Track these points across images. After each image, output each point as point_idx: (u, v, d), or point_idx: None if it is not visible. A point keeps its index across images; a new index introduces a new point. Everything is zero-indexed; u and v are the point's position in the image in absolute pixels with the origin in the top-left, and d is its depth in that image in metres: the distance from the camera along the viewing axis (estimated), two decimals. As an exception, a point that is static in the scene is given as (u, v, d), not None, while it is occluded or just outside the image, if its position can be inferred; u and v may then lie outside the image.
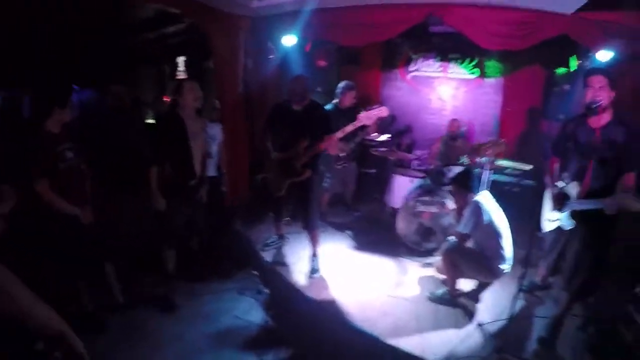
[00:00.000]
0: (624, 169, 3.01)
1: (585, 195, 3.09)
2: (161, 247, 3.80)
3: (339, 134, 3.97)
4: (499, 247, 3.69)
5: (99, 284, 3.58)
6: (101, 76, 5.10)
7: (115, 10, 5.56)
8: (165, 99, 8.17)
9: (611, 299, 3.21)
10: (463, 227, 3.72)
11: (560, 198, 3.37)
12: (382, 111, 3.98)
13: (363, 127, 4.41)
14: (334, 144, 4.02)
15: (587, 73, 3.21)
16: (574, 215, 3.19)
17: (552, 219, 3.52)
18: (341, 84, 5.32)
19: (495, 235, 3.71)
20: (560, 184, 3.48)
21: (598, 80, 3.03)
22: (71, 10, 4.79)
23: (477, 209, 3.68)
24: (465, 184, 3.90)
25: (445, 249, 3.89)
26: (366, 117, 3.94)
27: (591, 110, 3.00)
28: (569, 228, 3.27)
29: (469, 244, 3.88)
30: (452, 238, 4.03)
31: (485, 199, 3.81)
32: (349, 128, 3.97)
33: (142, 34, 6.94)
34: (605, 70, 3.25)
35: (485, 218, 3.66)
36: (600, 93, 3.00)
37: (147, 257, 4.06)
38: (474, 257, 3.80)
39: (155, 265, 3.89)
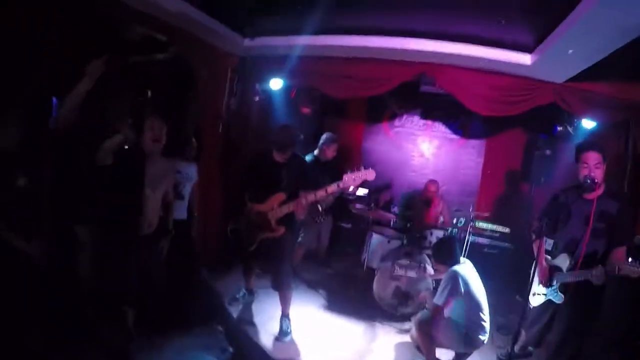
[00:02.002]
0: (615, 240, 3.03)
1: (578, 267, 3.09)
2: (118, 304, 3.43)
3: (322, 193, 3.71)
4: (478, 318, 3.59)
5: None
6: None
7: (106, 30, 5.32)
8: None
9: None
10: (438, 298, 3.61)
11: (549, 272, 3.32)
12: (369, 174, 3.70)
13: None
14: (302, 208, 3.78)
15: (580, 148, 3.23)
16: (563, 288, 3.18)
17: (539, 292, 3.45)
18: (325, 136, 5.24)
19: (474, 305, 3.60)
20: (548, 257, 3.44)
21: (593, 158, 3.06)
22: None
23: (454, 279, 3.57)
24: (448, 254, 3.81)
25: (418, 320, 3.76)
26: (352, 178, 3.67)
27: (587, 186, 3.02)
28: (558, 302, 3.23)
29: (446, 313, 3.71)
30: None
31: (464, 268, 3.71)
32: (333, 188, 3.70)
33: (128, 56, 6.75)
34: (599, 146, 3.26)
35: (462, 288, 3.55)
36: (595, 171, 3.03)
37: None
38: (450, 327, 3.66)
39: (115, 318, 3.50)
